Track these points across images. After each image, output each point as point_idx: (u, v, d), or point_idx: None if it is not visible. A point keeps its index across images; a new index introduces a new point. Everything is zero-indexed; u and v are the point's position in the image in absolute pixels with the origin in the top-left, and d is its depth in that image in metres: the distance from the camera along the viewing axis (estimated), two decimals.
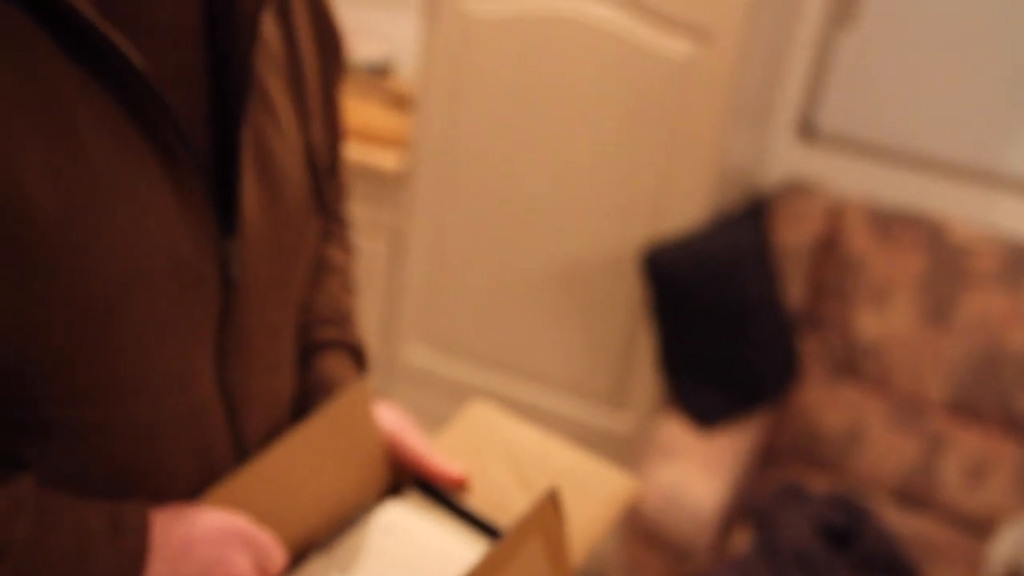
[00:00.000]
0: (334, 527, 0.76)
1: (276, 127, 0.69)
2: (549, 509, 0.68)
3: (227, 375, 0.67)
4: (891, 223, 2.12)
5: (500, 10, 2.00)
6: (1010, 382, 2.03)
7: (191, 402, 0.64)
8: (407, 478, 0.83)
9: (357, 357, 0.87)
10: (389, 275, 2.32)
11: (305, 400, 0.81)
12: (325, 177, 0.78)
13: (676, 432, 1.94)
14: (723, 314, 1.99)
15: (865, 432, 2.10)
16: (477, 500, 0.81)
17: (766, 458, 2.16)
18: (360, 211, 2.28)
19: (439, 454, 0.83)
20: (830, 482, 2.07)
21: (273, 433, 0.75)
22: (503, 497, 0.80)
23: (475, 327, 2.26)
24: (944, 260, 2.08)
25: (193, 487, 0.67)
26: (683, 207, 1.99)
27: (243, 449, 0.71)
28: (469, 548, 0.76)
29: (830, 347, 2.16)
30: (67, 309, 0.55)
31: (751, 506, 1.95)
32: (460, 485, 0.82)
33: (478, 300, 2.24)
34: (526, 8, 1.98)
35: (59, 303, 0.55)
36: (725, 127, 1.92)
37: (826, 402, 2.14)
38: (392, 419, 0.83)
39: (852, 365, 2.15)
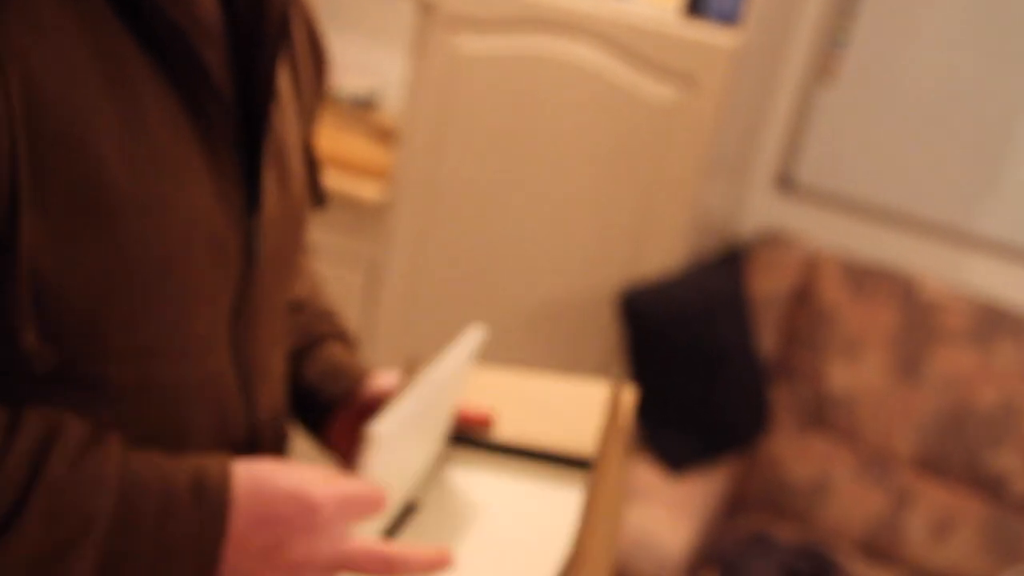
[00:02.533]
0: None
1: (283, 119, 0.74)
2: (617, 395, 0.73)
3: (240, 345, 0.71)
4: (864, 277, 2.15)
5: (488, 48, 2.02)
6: (977, 439, 2.05)
7: (211, 369, 0.68)
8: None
9: (350, 345, 0.93)
10: (363, 305, 2.31)
11: (321, 385, 0.86)
12: (319, 171, 0.84)
13: (646, 475, 1.94)
14: (696, 359, 1.99)
15: (832, 483, 2.11)
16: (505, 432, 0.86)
17: (734, 505, 2.15)
18: (338, 240, 2.28)
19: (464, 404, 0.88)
20: (797, 532, 2.07)
21: (277, 407, 0.78)
22: (525, 427, 0.86)
23: None
24: (915, 316, 2.10)
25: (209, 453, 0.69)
26: (661, 251, 2.00)
27: (253, 419, 0.73)
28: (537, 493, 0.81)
29: (800, 397, 2.17)
30: (128, 271, 0.60)
31: (719, 553, 1.94)
32: (488, 423, 0.87)
33: (451, 334, 2.23)
34: (514, 47, 2.00)
35: (123, 265, 0.60)
36: (705, 173, 1.94)
37: (795, 452, 2.14)
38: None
39: (821, 416, 2.16)
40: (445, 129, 2.11)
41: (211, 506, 0.61)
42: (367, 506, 0.65)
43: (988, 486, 2.05)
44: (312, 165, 0.82)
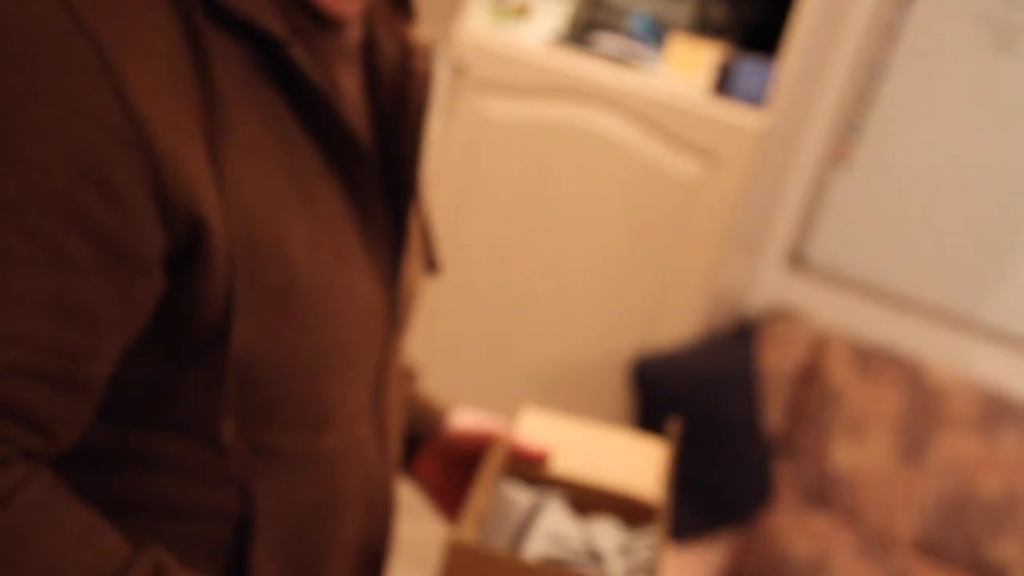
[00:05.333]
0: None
1: None
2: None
3: (379, 410, 0.75)
4: (872, 359, 2.18)
5: (516, 113, 2.06)
6: (979, 528, 2.06)
7: (359, 435, 0.73)
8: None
9: (415, 378, 0.96)
10: None
11: (407, 428, 0.90)
12: (433, 238, 0.88)
13: None
14: (704, 430, 2.01)
15: (832, 563, 2.11)
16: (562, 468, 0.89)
17: None
18: None
19: (523, 438, 0.90)
20: None
21: (398, 462, 0.82)
22: (585, 466, 0.88)
23: None
24: (921, 400, 2.13)
25: (359, 516, 0.74)
26: (675, 322, 2.03)
27: (388, 476, 0.77)
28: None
29: (803, 474, 2.18)
30: (308, 355, 0.64)
31: None
32: (544, 459, 0.89)
33: (464, 395, 2.24)
34: (541, 114, 2.04)
35: (304, 350, 0.64)
36: (724, 249, 1.98)
37: (795, 529, 2.15)
38: (483, 419, 0.92)
39: (824, 494, 2.17)
40: (467, 189, 2.14)
41: None
42: None
43: (988, 574, 2.05)
44: (426, 231, 0.87)
